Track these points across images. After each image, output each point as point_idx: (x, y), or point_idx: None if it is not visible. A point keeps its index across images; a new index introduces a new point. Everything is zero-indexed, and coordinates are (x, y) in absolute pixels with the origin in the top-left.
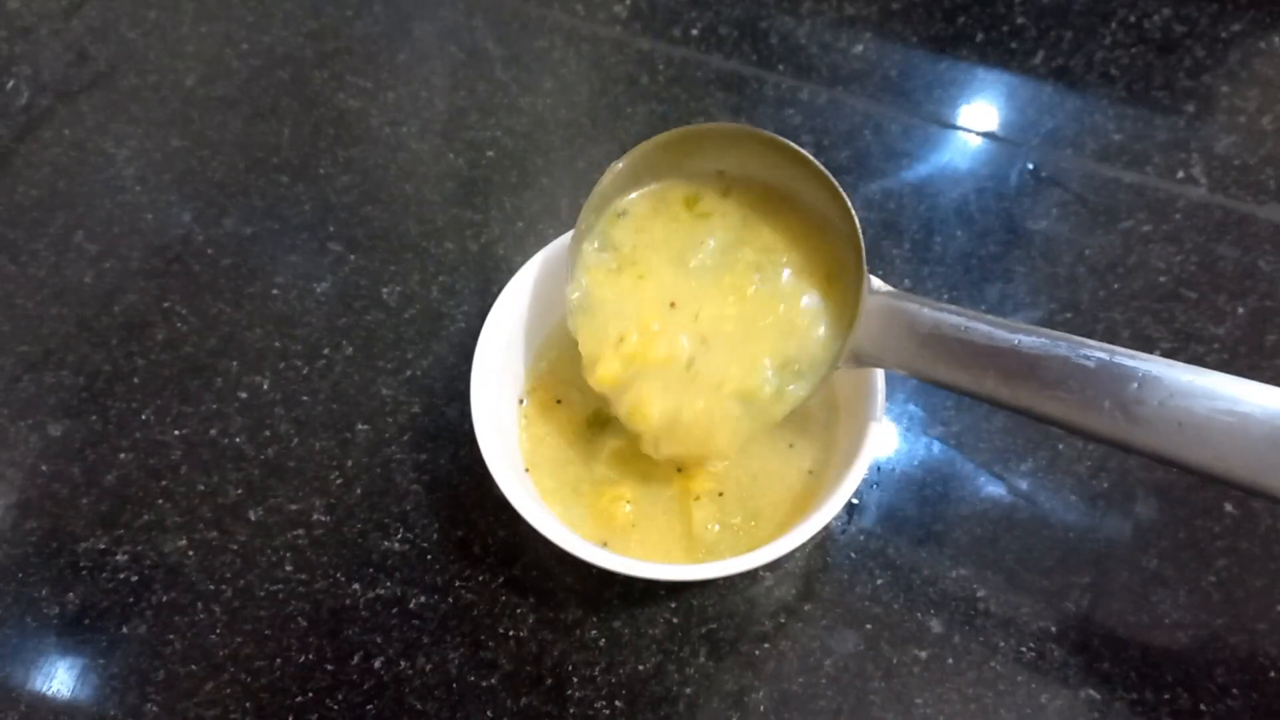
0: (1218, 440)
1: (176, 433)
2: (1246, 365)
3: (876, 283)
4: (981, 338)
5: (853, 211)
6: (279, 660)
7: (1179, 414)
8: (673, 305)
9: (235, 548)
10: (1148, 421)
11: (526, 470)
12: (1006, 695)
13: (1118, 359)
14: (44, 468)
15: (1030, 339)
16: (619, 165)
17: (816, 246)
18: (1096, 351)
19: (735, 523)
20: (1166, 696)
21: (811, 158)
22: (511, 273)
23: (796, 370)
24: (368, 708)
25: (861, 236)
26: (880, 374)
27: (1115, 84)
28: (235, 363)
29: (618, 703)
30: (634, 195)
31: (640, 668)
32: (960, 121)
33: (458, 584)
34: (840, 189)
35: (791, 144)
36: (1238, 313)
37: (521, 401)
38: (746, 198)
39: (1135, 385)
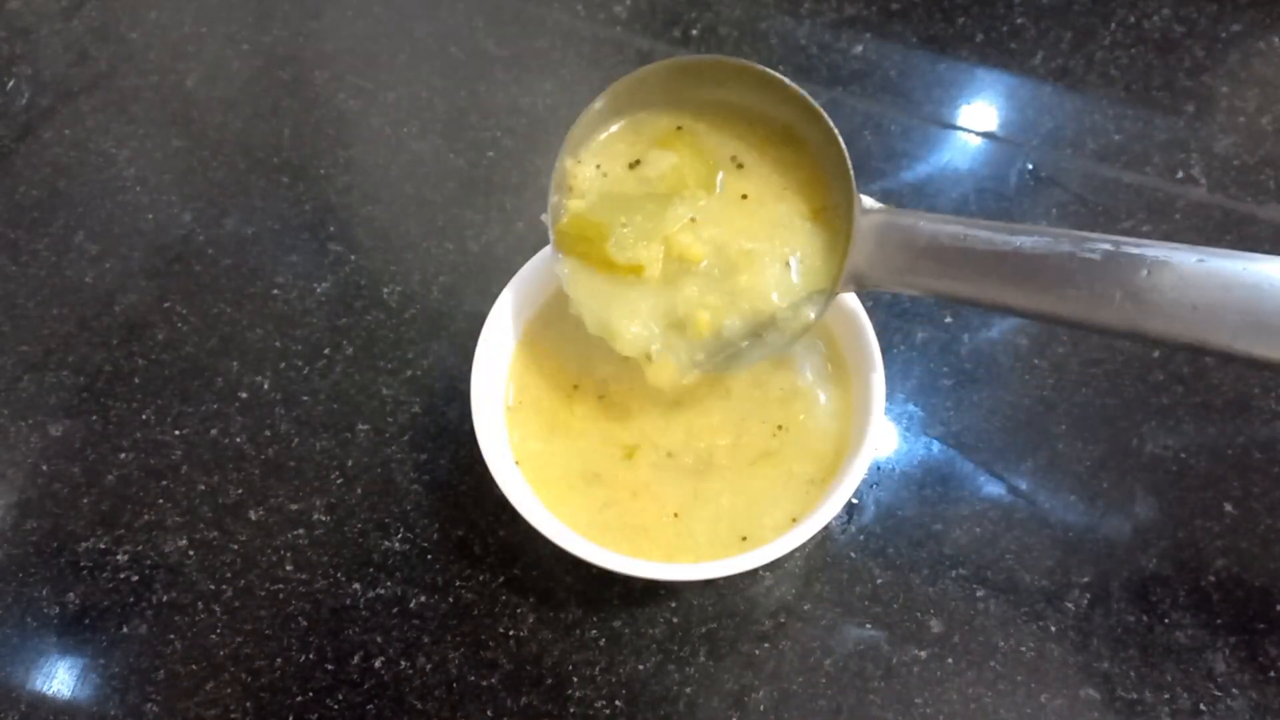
0: (1234, 319)
1: (177, 433)
2: (1245, 365)
3: (869, 201)
4: (982, 244)
5: (836, 132)
6: (279, 660)
7: (1192, 297)
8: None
9: (236, 547)
10: (1160, 308)
11: (517, 463)
12: (1006, 695)
13: (1124, 248)
14: (44, 467)
15: (1032, 239)
16: (597, 104)
17: (806, 176)
18: (1101, 244)
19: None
20: (1166, 696)
21: (785, 79)
22: (511, 273)
23: (798, 295)
24: (368, 707)
25: (847, 156)
26: (880, 373)
27: (1115, 84)
28: (236, 363)
29: (618, 702)
30: (615, 128)
31: (640, 667)
32: (960, 121)
33: (458, 584)
34: (822, 112)
35: (767, 70)
36: None
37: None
38: (734, 128)
39: (1145, 273)
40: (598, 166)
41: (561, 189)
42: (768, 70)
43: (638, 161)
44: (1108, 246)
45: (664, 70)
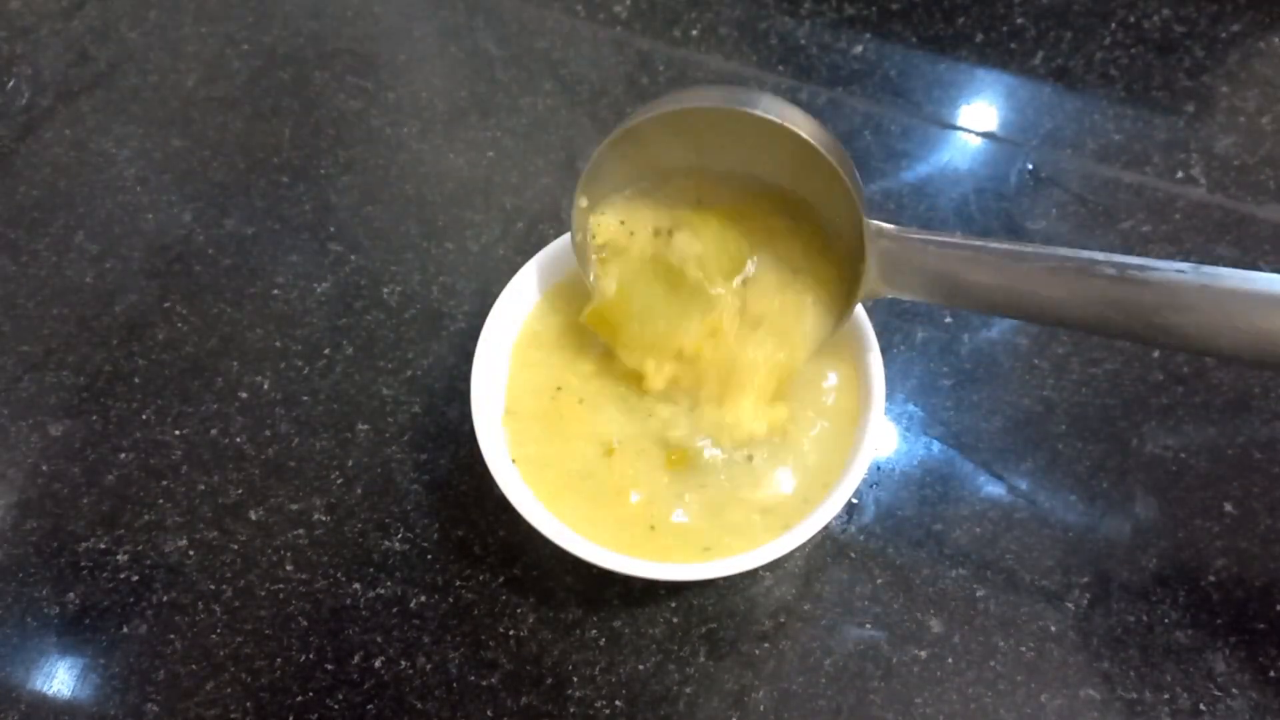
0: (1233, 334)
1: (177, 433)
2: (1247, 367)
3: (876, 224)
4: (988, 269)
5: (840, 172)
6: (279, 660)
7: (1194, 318)
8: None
9: (236, 547)
10: (1164, 329)
11: (517, 463)
12: (1006, 695)
13: (1129, 274)
14: (44, 467)
15: (1039, 266)
16: (614, 137)
17: (821, 269)
18: (1107, 268)
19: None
20: (1166, 696)
21: (783, 123)
22: (511, 273)
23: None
24: (368, 707)
25: (853, 184)
26: (880, 374)
27: (1115, 84)
28: (236, 363)
29: (618, 702)
30: (632, 190)
31: (640, 667)
32: (960, 121)
33: (458, 584)
34: (822, 152)
35: (763, 116)
36: None
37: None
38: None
39: (1149, 296)
40: (622, 222)
41: (584, 229)
42: (763, 115)
43: (668, 231)
44: (1112, 272)
45: (676, 117)
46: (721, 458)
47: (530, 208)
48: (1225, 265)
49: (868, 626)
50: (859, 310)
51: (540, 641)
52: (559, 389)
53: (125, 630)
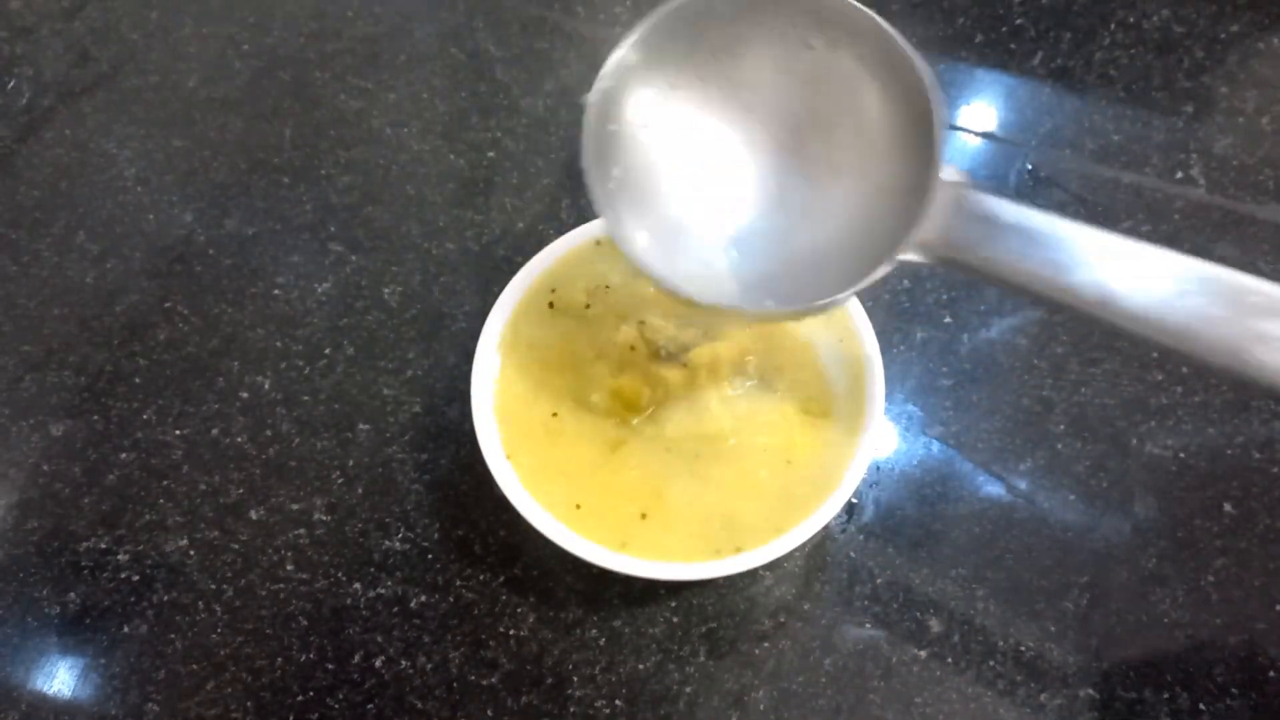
0: None
1: (178, 432)
2: None
3: (950, 173)
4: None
5: (924, 80)
6: (280, 659)
7: None
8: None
9: (236, 547)
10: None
11: (517, 462)
12: (1006, 695)
13: (1251, 299)
14: (45, 467)
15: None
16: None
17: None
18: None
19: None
20: (1166, 696)
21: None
22: (512, 273)
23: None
24: (368, 707)
25: (937, 110)
26: (879, 373)
27: (1114, 85)
28: (237, 363)
29: (618, 702)
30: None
31: (640, 667)
32: (960, 121)
33: (458, 583)
34: (906, 50)
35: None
36: None
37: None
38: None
39: (1254, 300)
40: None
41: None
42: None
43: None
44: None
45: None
46: (721, 457)
47: (530, 208)
48: (1225, 265)
49: (868, 626)
50: (859, 312)
51: (540, 641)
52: (559, 388)
53: (126, 630)
